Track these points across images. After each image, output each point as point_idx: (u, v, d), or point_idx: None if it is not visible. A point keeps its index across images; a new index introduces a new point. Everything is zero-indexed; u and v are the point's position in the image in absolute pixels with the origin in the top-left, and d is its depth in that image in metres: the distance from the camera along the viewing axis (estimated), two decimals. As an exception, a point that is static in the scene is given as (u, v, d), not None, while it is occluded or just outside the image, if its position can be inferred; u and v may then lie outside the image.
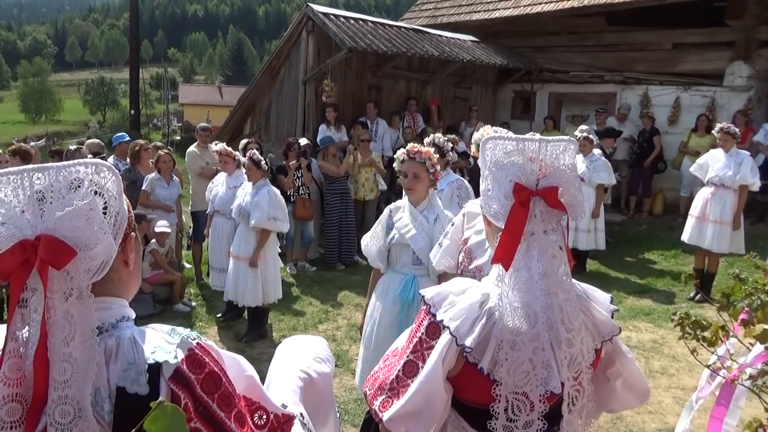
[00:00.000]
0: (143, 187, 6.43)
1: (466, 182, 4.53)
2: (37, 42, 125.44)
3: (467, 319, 1.38)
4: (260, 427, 1.20)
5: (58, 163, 1.03)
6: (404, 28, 10.17)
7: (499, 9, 11.34)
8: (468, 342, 1.36)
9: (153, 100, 70.70)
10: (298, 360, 1.56)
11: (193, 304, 6.30)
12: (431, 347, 1.40)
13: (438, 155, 4.31)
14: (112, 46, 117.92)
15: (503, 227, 1.37)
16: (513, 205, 1.35)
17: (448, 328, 1.37)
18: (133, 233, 1.15)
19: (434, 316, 1.41)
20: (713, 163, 6.01)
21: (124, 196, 1.10)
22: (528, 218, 1.35)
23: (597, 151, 7.29)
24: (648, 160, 9.40)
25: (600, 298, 1.51)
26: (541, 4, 10.64)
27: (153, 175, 6.54)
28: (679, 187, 9.36)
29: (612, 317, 1.49)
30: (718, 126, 6.09)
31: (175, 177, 6.84)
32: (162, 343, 1.06)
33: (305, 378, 1.49)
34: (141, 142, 7.28)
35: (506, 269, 1.36)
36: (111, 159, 7.07)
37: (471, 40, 11.09)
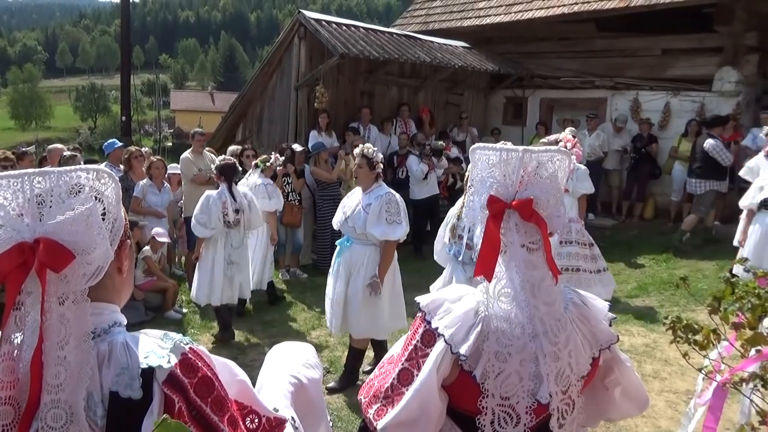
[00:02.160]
0: (135, 194, 6.40)
1: (398, 196, 4.25)
2: (28, 48, 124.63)
3: (462, 326, 1.37)
4: (252, 431, 1.20)
5: (59, 168, 1.03)
6: (396, 34, 10.21)
7: (490, 15, 11.40)
8: (463, 350, 1.35)
9: (144, 106, 70.36)
10: (288, 365, 1.56)
11: (185, 311, 6.27)
12: (426, 355, 1.39)
13: (367, 167, 4.20)
14: (103, 52, 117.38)
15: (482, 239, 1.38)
16: (487, 218, 1.36)
17: (443, 335, 1.37)
18: (128, 240, 1.15)
19: (429, 323, 1.41)
20: (765, 166, 6.02)
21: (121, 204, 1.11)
22: (504, 230, 1.35)
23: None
24: (647, 168, 9.49)
25: (598, 306, 1.50)
26: (531, 10, 10.71)
27: (144, 181, 6.51)
28: (670, 192, 9.43)
29: (610, 325, 1.49)
30: (766, 128, 6.17)
31: (166, 183, 6.82)
32: (155, 348, 1.06)
33: (295, 383, 1.49)
34: (132, 149, 7.25)
35: (488, 281, 1.37)
36: (105, 165, 7.02)
37: (462, 46, 11.14)
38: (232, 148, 7.78)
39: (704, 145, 7.86)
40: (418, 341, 1.42)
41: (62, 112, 78.76)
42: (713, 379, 1.94)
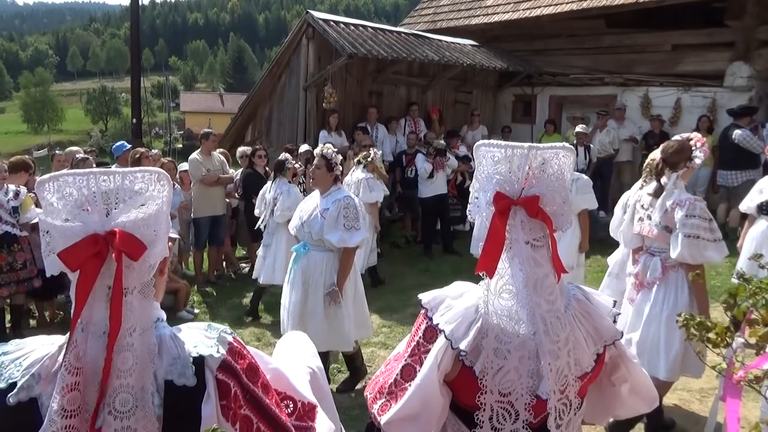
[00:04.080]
0: (146, 195, 6.44)
1: (356, 200, 4.02)
2: (39, 52, 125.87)
3: (463, 322, 1.38)
4: (288, 416, 1.25)
5: (122, 169, 1.11)
6: (404, 33, 10.21)
7: (498, 13, 11.37)
8: (463, 345, 1.36)
9: (155, 108, 70.76)
10: (299, 356, 1.60)
11: (196, 311, 6.30)
12: (428, 351, 1.41)
13: (326, 168, 3.96)
14: (114, 55, 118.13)
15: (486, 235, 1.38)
16: (493, 214, 1.36)
17: (444, 331, 1.38)
18: (170, 243, 1.21)
19: (431, 319, 1.43)
20: None
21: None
22: (510, 227, 1.35)
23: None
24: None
25: (602, 302, 1.50)
26: (540, 7, 10.66)
27: (155, 183, 6.55)
28: (682, 188, 9.33)
29: (614, 321, 1.48)
30: None
31: (176, 185, 6.86)
32: (201, 338, 1.13)
33: (310, 372, 1.53)
34: (141, 150, 7.29)
35: (490, 277, 1.37)
36: (114, 168, 7.08)
37: (471, 45, 11.12)
38: (241, 149, 7.80)
39: (733, 136, 7.80)
40: (420, 337, 1.44)
41: (74, 115, 79.38)
42: (730, 378, 1.92)
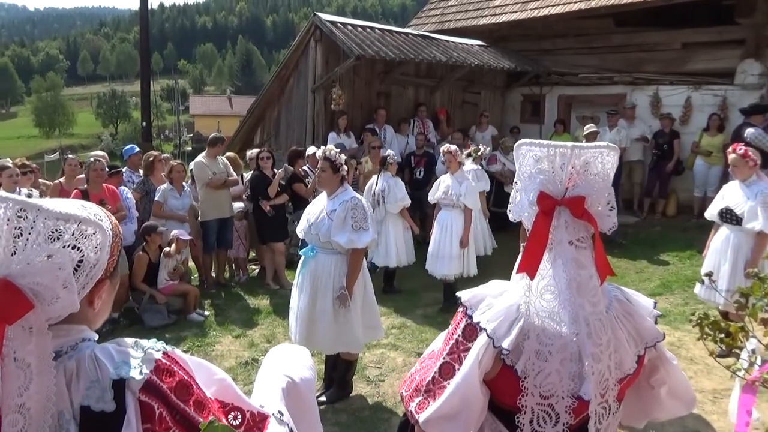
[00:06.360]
0: (156, 198, 6.48)
1: (364, 201, 3.95)
2: (50, 57, 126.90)
3: (505, 321, 1.36)
4: (236, 427, 1.20)
5: (49, 207, 0.98)
6: (411, 34, 10.20)
7: (506, 13, 11.34)
8: (505, 344, 1.34)
9: (164, 111, 71.24)
10: (283, 366, 1.57)
11: (206, 313, 6.32)
12: (468, 349, 1.39)
13: (330, 170, 3.88)
14: (123, 59, 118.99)
15: (528, 235, 1.36)
16: (537, 214, 1.34)
17: (486, 329, 1.36)
18: (108, 279, 1.11)
19: (471, 317, 1.41)
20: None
21: (109, 245, 1.05)
22: (553, 227, 1.33)
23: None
24: (670, 165, 9.34)
25: (643, 303, 1.48)
26: (547, 6, 10.62)
27: (165, 185, 6.58)
28: (692, 187, 9.27)
29: (656, 322, 1.46)
30: None
31: (186, 187, 6.89)
32: (126, 358, 1.05)
33: (289, 381, 1.49)
34: (155, 153, 7.35)
35: (531, 278, 1.35)
36: (125, 170, 7.13)
37: (479, 45, 11.09)
38: (250, 151, 7.82)
39: (744, 134, 7.69)
40: (459, 335, 1.42)
41: (84, 119, 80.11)
42: (747, 379, 1.90)
